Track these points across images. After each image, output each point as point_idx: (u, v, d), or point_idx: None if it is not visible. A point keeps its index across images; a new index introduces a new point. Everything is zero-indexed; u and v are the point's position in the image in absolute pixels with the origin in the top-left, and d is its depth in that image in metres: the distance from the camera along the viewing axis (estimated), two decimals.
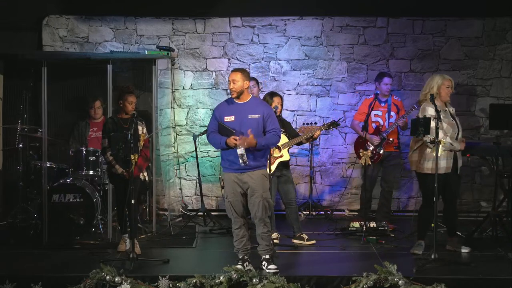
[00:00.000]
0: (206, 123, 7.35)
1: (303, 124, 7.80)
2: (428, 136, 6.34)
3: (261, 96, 7.50)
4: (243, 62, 8.80)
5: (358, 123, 7.88)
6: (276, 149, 7.04)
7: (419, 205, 7.05)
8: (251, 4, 8.59)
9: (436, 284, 5.51)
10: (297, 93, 8.89)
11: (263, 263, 6.06)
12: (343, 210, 8.88)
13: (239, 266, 5.88)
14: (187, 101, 8.87)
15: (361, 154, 7.36)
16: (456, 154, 6.61)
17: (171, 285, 5.60)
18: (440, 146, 6.21)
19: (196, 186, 8.83)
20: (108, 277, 5.57)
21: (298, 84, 8.89)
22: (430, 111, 6.38)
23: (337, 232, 7.60)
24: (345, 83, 8.88)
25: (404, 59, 8.85)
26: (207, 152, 8.85)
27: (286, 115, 8.35)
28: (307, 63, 8.87)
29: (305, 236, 7.14)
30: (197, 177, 8.44)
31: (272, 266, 6.01)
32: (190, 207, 8.85)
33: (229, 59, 8.84)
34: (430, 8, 8.53)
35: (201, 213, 8.27)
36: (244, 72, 6.09)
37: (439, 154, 6.23)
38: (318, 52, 8.86)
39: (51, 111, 7.45)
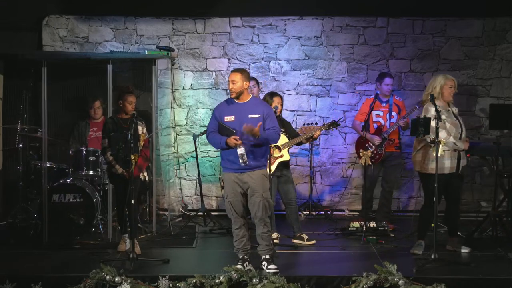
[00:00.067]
0: (206, 123, 7.35)
1: (304, 124, 7.80)
2: (429, 136, 6.35)
3: (261, 96, 7.50)
4: (243, 62, 8.80)
5: (359, 123, 7.88)
6: (276, 149, 7.04)
7: (419, 205, 7.06)
8: (251, 4, 8.59)
9: (436, 284, 5.51)
10: (297, 93, 8.89)
11: (263, 263, 6.06)
12: (343, 210, 8.89)
13: (239, 266, 5.88)
14: (187, 101, 8.87)
15: (361, 154, 7.35)
16: (459, 154, 6.61)
17: (171, 285, 5.60)
18: (440, 146, 6.21)
19: (196, 186, 8.83)
20: (108, 277, 5.57)
21: (298, 84, 8.89)
22: (433, 111, 6.39)
23: (337, 232, 7.60)
24: (345, 83, 8.88)
25: (404, 59, 8.85)
26: (207, 152, 8.85)
27: (286, 115, 8.35)
28: (307, 63, 8.87)
29: (305, 236, 7.14)
30: (197, 177, 8.44)
31: (272, 266, 6.01)
32: (190, 207, 8.85)
33: (229, 59, 8.84)
34: (430, 8, 8.53)
35: (201, 213, 8.27)
36: (243, 72, 6.09)
37: (439, 154, 6.23)
38: (318, 52, 8.86)
39: (51, 111, 7.45)
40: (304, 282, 5.68)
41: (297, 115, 8.89)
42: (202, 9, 8.64)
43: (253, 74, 8.41)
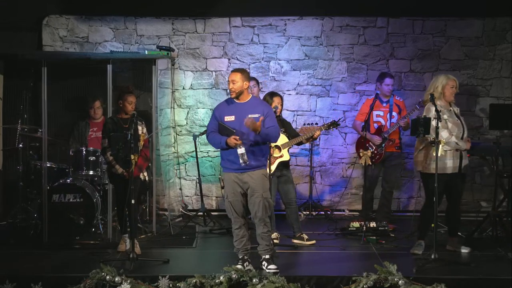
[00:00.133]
0: (206, 123, 7.35)
1: (304, 124, 7.80)
2: (429, 136, 6.35)
3: (261, 96, 7.50)
4: (243, 62, 8.80)
5: (360, 123, 7.86)
6: (276, 149, 7.04)
7: (419, 205, 7.06)
8: (251, 4, 8.59)
9: (436, 284, 5.51)
10: (297, 93, 8.89)
11: (263, 263, 6.06)
12: (343, 210, 8.89)
13: (239, 266, 5.87)
14: (187, 101, 8.87)
15: (361, 154, 7.36)
16: (461, 154, 6.61)
17: (171, 285, 5.60)
18: (440, 146, 6.21)
19: (196, 186, 8.83)
20: (108, 277, 5.57)
21: (298, 84, 8.89)
22: (434, 111, 6.39)
23: (337, 232, 7.60)
24: (345, 83, 8.88)
25: (404, 59, 8.85)
26: (207, 152, 8.85)
27: (286, 115, 8.35)
28: (307, 63, 8.87)
29: (305, 236, 7.14)
30: (197, 177, 8.44)
31: (272, 266, 6.01)
32: (190, 207, 8.85)
33: (229, 59, 8.84)
34: (430, 8, 8.53)
35: (201, 213, 8.27)
36: (243, 72, 6.09)
37: (439, 154, 6.23)
38: (318, 52, 8.86)
39: (51, 111, 7.45)
40: (304, 282, 5.68)
41: (297, 115, 8.89)
42: (202, 9, 8.64)
43: (253, 74, 8.41)
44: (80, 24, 8.72)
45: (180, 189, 8.89)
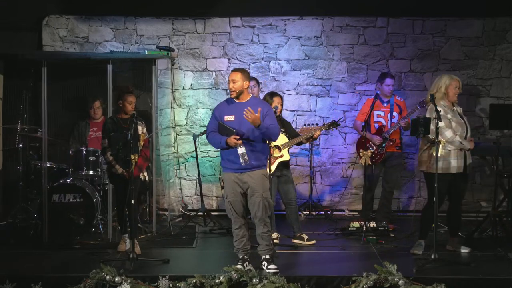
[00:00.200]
0: (206, 123, 7.35)
1: (304, 125, 7.79)
2: (429, 136, 6.36)
3: (261, 96, 7.50)
4: (243, 62, 8.80)
5: (360, 124, 7.86)
6: (276, 149, 7.04)
7: (419, 205, 7.06)
8: (251, 4, 8.59)
9: (436, 284, 5.51)
10: (297, 93, 8.89)
11: (263, 263, 6.06)
12: (343, 210, 8.88)
13: (239, 266, 5.87)
14: (187, 101, 8.87)
15: (361, 154, 7.36)
16: (465, 153, 6.62)
17: (171, 285, 5.60)
18: (441, 146, 6.22)
19: (196, 186, 8.83)
20: (108, 277, 5.57)
21: (298, 84, 8.89)
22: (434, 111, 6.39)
23: (337, 232, 7.60)
24: (345, 83, 8.88)
25: (404, 59, 8.85)
26: (207, 152, 8.85)
27: (286, 115, 8.35)
28: (307, 63, 8.87)
29: (305, 236, 7.13)
30: (197, 177, 8.44)
31: (272, 266, 6.00)
32: (190, 207, 8.85)
33: (229, 59, 8.84)
34: (430, 8, 8.53)
35: (201, 213, 8.27)
36: (244, 72, 6.09)
37: (439, 154, 6.23)
38: (318, 52, 8.86)
39: (51, 111, 7.45)
40: (304, 282, 5.68)
41: (297, 115, 8.89)
42: (202, 9, 8.64)
43: (253, 74, 8.40)
44: (80, 24, 8.72)
45: (180, 189, 8.89)
